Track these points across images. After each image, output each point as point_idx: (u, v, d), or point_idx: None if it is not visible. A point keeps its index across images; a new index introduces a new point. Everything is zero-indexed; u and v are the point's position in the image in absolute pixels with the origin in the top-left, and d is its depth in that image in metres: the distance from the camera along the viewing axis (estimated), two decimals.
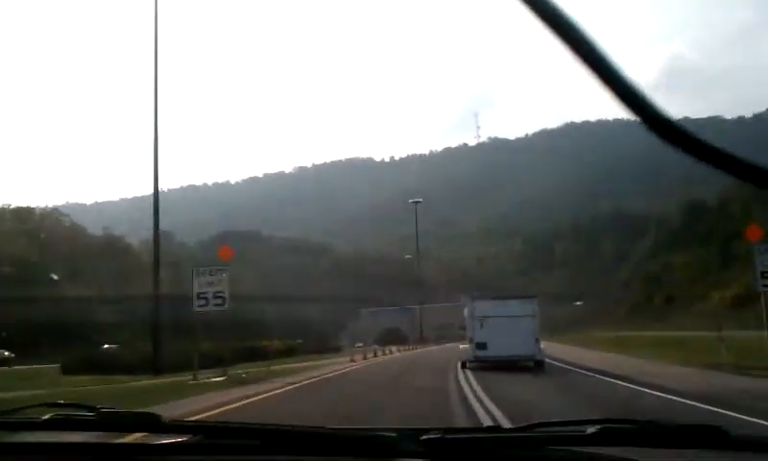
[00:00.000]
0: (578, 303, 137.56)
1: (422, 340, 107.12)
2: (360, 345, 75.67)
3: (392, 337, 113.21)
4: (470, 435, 1.64)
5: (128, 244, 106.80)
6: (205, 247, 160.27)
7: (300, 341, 58.94)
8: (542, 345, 27.21)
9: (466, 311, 29.79)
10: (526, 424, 1.76)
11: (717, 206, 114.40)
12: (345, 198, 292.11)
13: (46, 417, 1.63)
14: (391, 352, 53.35)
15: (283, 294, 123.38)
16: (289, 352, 48.14)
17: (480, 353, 26.26)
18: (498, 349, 25.51)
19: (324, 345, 64.04)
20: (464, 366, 26.70)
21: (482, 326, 26.59)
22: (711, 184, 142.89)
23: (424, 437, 1.54)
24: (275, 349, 41.44)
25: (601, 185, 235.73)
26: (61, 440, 1.71)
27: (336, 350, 64.67)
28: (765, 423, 9.35)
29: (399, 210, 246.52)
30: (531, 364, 25.63)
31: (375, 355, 47.19)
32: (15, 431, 1.75)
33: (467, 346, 27.91)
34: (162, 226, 37.67)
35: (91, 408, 1.72)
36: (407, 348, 66.68)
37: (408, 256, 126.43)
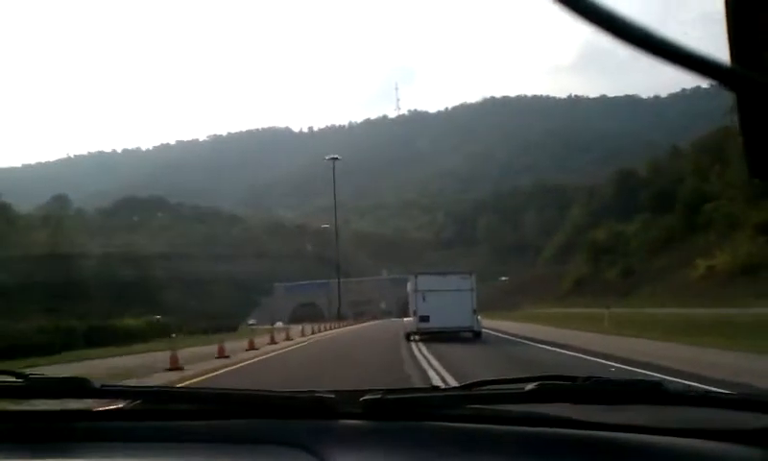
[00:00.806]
0: (503, 278, 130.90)
1: (340, 318, 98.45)
2: (280, 324, 67.63)
3: (307, 314, 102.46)
4: (410, 395, 1.65)
5: None
6: (106, 213, 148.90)
7: (158, 317, 47.36)
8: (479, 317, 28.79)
9: (409, 286, 31.82)
10: (465, 383, 1.77)
11: (648, 176, 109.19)
12: (261, 168, 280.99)
13: None
14: (304, 335, 43.48)
15: (183, 266, 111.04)
16: (157, 333, 37.43)
17: (423, 325, 27.94)
18: (440, 320, 27.31)
19: (219, 324, 53.14)
20: (408, 338, 27.89)
21: (424, 299, 28.26)
22: (636, 157, 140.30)
23: (364, 398, 1.54)
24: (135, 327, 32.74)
25: (521, 159, 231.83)
26: None
27: (233, 329, 54.07)
28: None
29: (318, 180, 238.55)
30: (470, 335, 27.58)
31: (289, 339, 37.22)
32: None
33: (410, 319, 29.62)
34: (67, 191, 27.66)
35: (19, 374, 1.66)
36: (327, 327, 56.84)
37: (325, 226, 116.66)
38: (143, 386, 1.96)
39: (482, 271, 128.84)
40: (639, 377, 1.55)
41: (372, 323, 74.96)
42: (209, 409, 1.66)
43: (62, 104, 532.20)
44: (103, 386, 1.61)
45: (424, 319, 27.99)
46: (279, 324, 67.06)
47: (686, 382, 10.76)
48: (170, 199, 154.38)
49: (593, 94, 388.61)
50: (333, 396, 1.61)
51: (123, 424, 1.62)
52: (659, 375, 12.51)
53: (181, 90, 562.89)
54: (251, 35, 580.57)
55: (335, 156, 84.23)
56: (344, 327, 63.60)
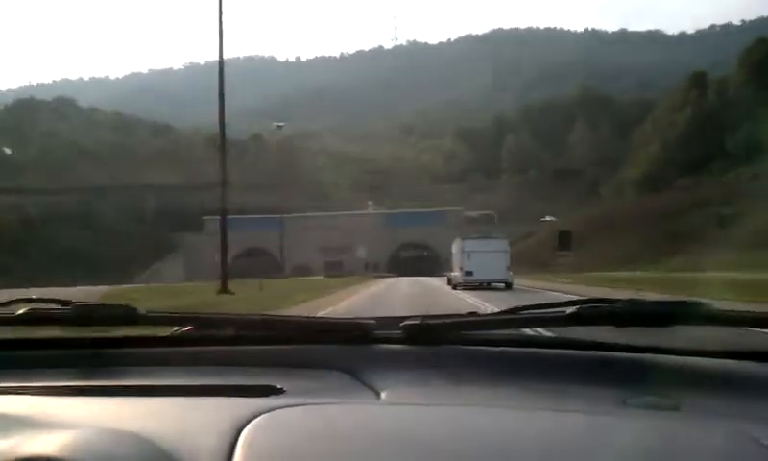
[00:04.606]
0: (548, 217, 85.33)
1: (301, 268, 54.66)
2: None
3: (253, 266, 68.34)
4: (449, 320, 1.61)
5: None
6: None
7: None
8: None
9: (454, 247, 37.99)
10: (507, 309, 1.74)
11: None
12: (238, 98, 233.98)
13: (20, 312, 1.55)
14: None
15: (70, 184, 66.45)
16: None
17: (468, 278, 32.97)
18: (481, 274, 32.55)
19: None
20: (454, 287, 33.53)
21: (469, 257, 33.61)
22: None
23: (403, 323, 1.53)
24: None
25: (537, 91, 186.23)
26: (36, 335, 1.67)
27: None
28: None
29: (299, 108, 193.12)
30: (503, 285, 32.34)
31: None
32: None
33: (455, 273, 35.70)
34: None
35: (66, 302, 1.66)
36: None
37: (279, 124, 70.46)
38: (188, 313, 1.84)
39: (512, 210, 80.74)
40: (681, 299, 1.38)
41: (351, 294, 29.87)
42: (253, 335, 1.66)
43: (25, 29, 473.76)
44: (148, 312, 1.60)
45: (469, 273, 33.02)
46: None
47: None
48: (81, 102, 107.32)
49: (613, 28, 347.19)
50: (373, 321, 1.58)
51: (169, 350, 1.63)
52: None
53: (157, 12, 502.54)
54: None
55: None
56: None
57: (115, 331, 1.66)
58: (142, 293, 30.47)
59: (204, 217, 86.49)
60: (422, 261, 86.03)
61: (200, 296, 26.33)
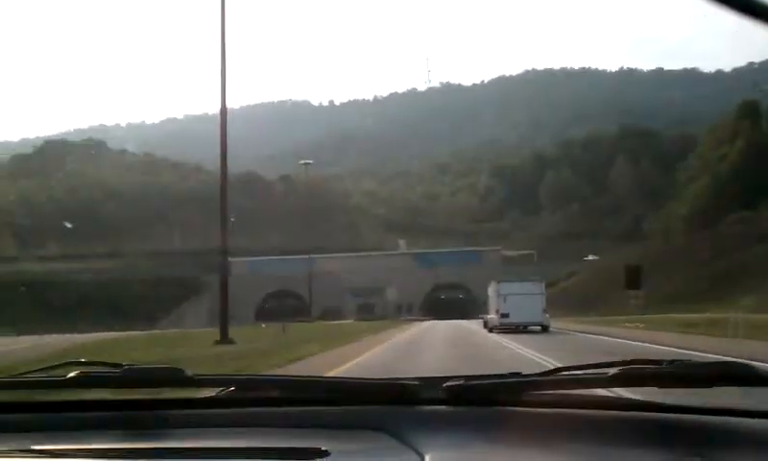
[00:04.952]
0: (591, 257, 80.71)
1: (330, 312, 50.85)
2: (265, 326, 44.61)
3: (284, 308, 69.65)
4: (492, 381, 1.59)
5: None
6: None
7: None
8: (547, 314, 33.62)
9: (490, 290, 37.61)
10: (548, 369, 1.74)
11: None
12: (271, 142, 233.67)
13: (71, 375, 1.59)
14: None
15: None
16: None
17: (504, 320, 33.09)
18: (517, 317, 32.66)
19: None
20: (490, 330, 34.09)
21: (505, 301, 33.47)
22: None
23: (446, 384, 1.52)
24: None
25: (575, 129, 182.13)
26: (86, 397, 1.70)
27: None
28: None
29: (331, 151, 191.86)
30: (539, 328, 32.42)
31: None
32: (40, 389, 1.73)
33: (491, 316, 35.87)
34: None
35: (115, 365, 1.70)
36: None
37: (306, 162, 67.41)
38: (233, 374, 2.16)
39: (552, 248, 76.55)
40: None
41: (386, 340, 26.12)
42: (296, 396, 1.66)
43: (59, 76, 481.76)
44: (195, 375, 1.61)
45: (505, 316, 33.10)
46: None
47: None
48: (111, 144, 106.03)
49: (648, 66, 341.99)
50: (417, 382, 1.57)
51: (215, 412, 1.63)
52: None
53: (191, 60, 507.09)
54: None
55: None
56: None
57: (164, 393, 1.70)
58: (137, 342, 27.19)
59: (231, 259, 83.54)
60: (458, 303, 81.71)
61: (195, 347, 22.66)
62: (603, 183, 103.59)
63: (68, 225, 69.46)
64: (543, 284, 35.41)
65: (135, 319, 63.19)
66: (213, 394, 1.69)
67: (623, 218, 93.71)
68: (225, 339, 25.64)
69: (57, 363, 1.79)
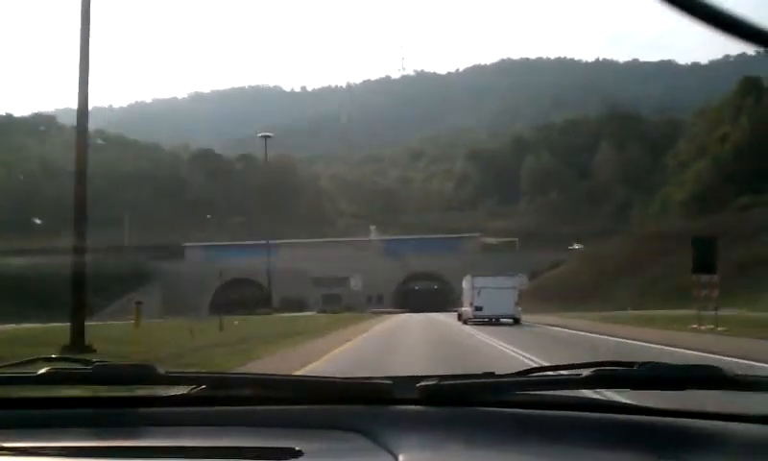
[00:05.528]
0: (575, 246, 74.47)
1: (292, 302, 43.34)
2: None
3: (240, 298, 61.42)
4: (466, 381, 1.60)
5: None
6: None
7: None
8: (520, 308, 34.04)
9: (465, 284, 38.06)
10: (522, 370, 1.75)
11: None
12: (242, 126, 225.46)
13: (42, 371, 1.58)
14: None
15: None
16: None
17: (478, 313, 33.82)
18: (490, 310, 33.41)
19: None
20: (464, 322, 34.49)
21: (479, 294, 34.13)
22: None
23: (420, 384, 1.52)
24: None
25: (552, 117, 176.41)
26: (56, 394, 1.70)
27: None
28: None
29: (307, 135, 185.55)
30: (511, 321, 32.75)
31: None
32: (9, 385, 1.72)
33: (465, 308, 36.40)
34: None
35: (87, 361, 1.69)
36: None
37: (265, 134, 60.32)
38: (206, 372, 2.09)
39: (533, 236, 71.74)
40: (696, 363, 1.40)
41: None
42: (269, 395, 1.64)
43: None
44: (168, 372, 1.62)
45: (479, 308, 33.78)
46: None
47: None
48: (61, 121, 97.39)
49: (624, 58, 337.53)
50: (390, 381, 1.57)
51: (187, 410, 1.63)
52: None
53: (159, 42, 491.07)
54: None
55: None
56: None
57: (135, 390, 1.68)
58: None
59: (186, 244, 75.71)
60: (433, 294, 74.85)
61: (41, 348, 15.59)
62: (586, 168, 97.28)
63: None
64: (517, 279, 36.64)
65: (64, 310, 55.70)
66: (185, 392, 1.66)
67: (608, 205, 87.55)
68: (79, 344, 16.88)
69: (26, 359, 1.79)
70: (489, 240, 79.94)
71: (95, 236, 72.11)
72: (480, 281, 35.10)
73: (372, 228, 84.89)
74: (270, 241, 62.31)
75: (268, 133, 61.95)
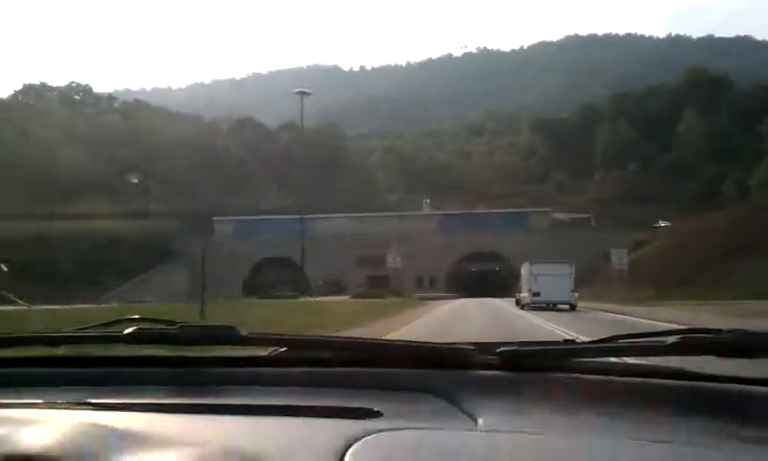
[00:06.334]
0: (662, 223, 64.38)
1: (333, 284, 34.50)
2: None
3: (277, 279, 56.06)
4: (546, 347, 1.59)
5: None
6: None
7: None
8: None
9: (524, 270, 39.15)
10: (603, 337, 1.69)
11: None
12: (297, 104, 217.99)
13: (128, 331, 1.62)
14: None
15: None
16: None
17: (535, 299, 34.88)
18: (547, 296, 34.44)
19: None
20: (522, 307, 35.55)
21: (536, 280, 35.50)
22: None
23: (501, 349, 1.51)
24: None
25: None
26: (143, 353, 1.73)
27: None
28: None
29: (364, 113, 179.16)
30: (568, 307, 34.06)
31: None
32: (98, 344, 1.77)
33: (523, 294, 37.55)
34: None
35: (170, 322, 1.72)
36: None
37: (303, 90, 52.08)
38: (287, 334, 1.91)
39: (609, 213, 63.16)
40: None
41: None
42: (350, 357, 1.66)
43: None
44: (249, 334, 1.63)
45: (536, 294, 34.94)
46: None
47: None
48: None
49: (699, 34, 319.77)
50: (472, 347, 1.57)
51: (268, 370, 1.65)
52: None
53: (215, 23, 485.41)
54: None
55: None
56: None
57: (218, 351, 1.68)
58: None
59: (216, 218, 68.08)
60: (494, 277, 65.49)
61: None
62: (668, 139, 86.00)
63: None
64: (573, 266, 36.98)
65: (82, 288, 49.45)
66: (266, 353, 1.69)
67: (697, 178, 76.66)
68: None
69: (112, 320, 1.84)
70: (560, 216, 70.28)
71: (117, 210, 63.85)
72: (538, 268, 36.60)
73: (426, 201, 75.89)
74: (308, 216, 54.21)
75: (306, 89, 53.63)
